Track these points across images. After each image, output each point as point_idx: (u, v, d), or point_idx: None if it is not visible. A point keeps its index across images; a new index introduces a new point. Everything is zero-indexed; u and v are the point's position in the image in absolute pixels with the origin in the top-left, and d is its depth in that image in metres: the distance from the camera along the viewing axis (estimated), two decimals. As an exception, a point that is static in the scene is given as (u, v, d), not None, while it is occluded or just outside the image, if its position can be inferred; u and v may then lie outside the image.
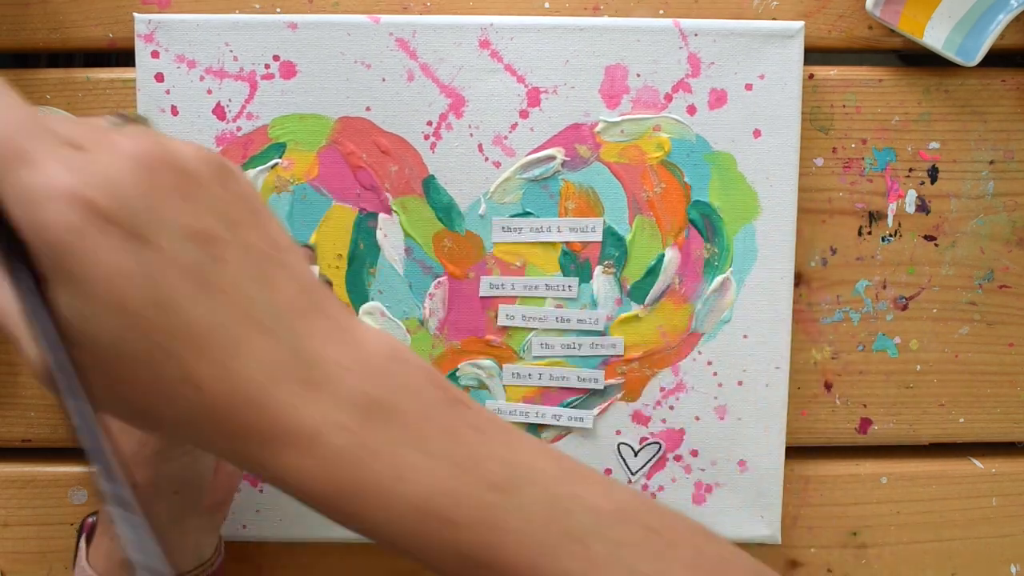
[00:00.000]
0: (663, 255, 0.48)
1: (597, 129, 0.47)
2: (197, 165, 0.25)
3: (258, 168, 0.47)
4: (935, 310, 0.50)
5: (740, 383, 0.48)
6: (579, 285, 0.48)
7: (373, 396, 0.26)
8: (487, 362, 0.48)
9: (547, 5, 0.48)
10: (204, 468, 0.38)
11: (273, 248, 0.26)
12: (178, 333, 0.24)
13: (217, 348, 0.24)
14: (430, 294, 0.48)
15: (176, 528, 0.38)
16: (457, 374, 0.48)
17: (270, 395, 0.24)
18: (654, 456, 0.49)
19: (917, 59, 0.50)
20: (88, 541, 0.40)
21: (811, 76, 0.49)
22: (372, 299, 0.48)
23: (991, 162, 0.49)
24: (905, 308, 0.50)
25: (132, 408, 0.25)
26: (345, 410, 0.25)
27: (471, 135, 0.47)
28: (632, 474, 0.49)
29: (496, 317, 0.48)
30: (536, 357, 0.48)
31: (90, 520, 0.42)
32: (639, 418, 0.48)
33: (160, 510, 0.36)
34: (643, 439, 0.49)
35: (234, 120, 0.47)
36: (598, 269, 0.48)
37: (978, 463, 0.51)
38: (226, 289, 0.25)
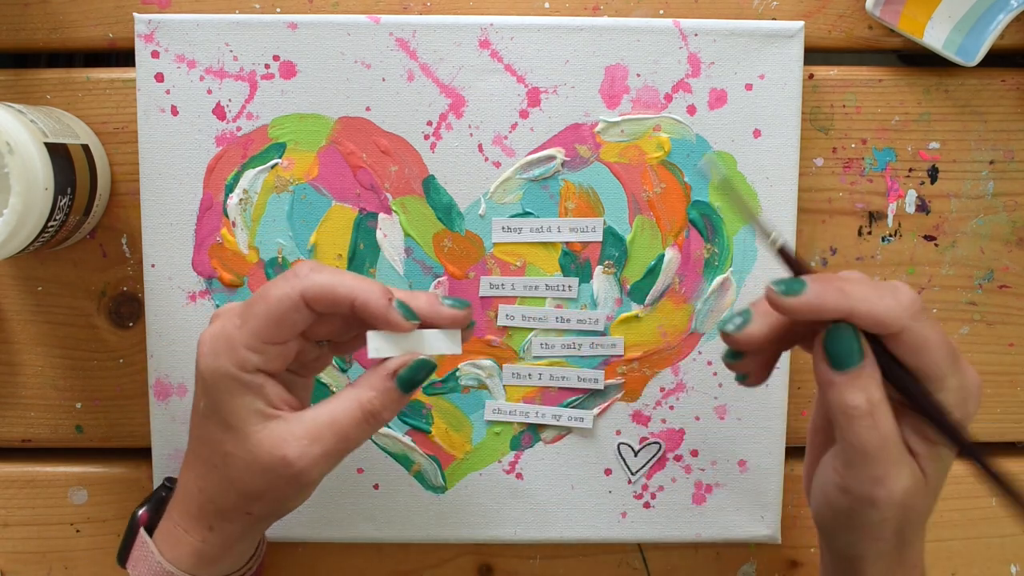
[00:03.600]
0: (663, 255, 0.48)
1: (597, 129, 0.47)
2: None
3: (258, 168, 0.47)
4: (935, 310, 0.50)
5: (740, 383, 0.48)
6: (579, 285, 0.48)
7: None
8: (487, 362, 0.48)
9: (547, 5, 0.48)
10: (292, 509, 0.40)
11: None
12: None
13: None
14: (430, 294, 0.48)
15: (238, 543, 0.40)
16: (457, 374, 0.48)
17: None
18: (654, 456, 0.49)
19: (917, 59, 0.50)
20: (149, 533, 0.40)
21: (811, 76, 0.49)
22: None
23: (991, 162, 0.49)
24: (905, 308, 0.50)
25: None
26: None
27: (471, 135, 0.47)
28: (632, 474, 0.49)
29: (496, 317, 0.48)
30: (536, 357, 0.48)
31: (143, 512, 0.42)
32: (639, 418, 0.48)
33: (235, 529, 0.39)
34: (643, 439, 0.49)
35: (234, 120, 0.47)
36: (598, 269, 0.48)
37: (978, 463, 0.51)
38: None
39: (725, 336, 0.36)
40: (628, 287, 0.48)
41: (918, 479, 0.35)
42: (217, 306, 0.47)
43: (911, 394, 0.35)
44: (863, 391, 0.34)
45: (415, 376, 0.37)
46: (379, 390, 0.37)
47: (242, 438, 0.36)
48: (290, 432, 0.36)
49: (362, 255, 0.47)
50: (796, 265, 0.36)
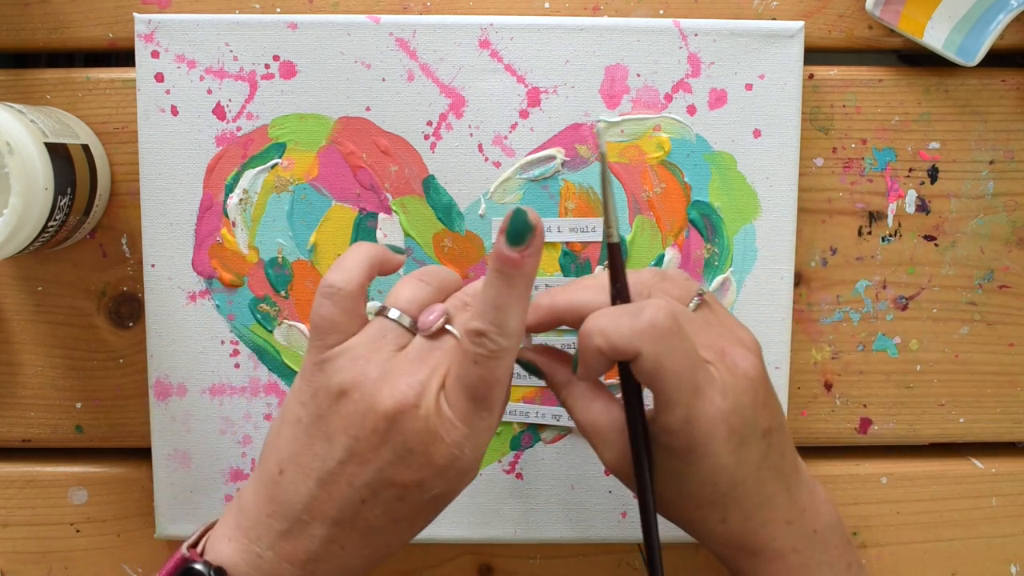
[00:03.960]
0: (663, 255, 0.48)
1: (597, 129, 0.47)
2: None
3: (258, 168, 0.47)
4: (935, 310, 0.50)
5: (740, 383, 0.48)
6: (579, 285, 0.48)
7: (820, 534, 0.39)
8: (487, 362, 0.48)
9: (547, 5, 0.48)
10: None
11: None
12: (748, 492, 0.37)
13: (754, 505, 0.38)
14: (430, 294, 0.48)
15: None
16: (457, 374, 0.48)
17: (766, 531, 0.38)
18: (654, 456, 0.49)
19: (917, 59, 0.50)
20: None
21: (811, 76, 0.49)
22: (372, 299, 0.48)
23: (991, 162, 0.49)
24: (905, 308, 0.50)
25: (677, 514, 0.39)
26: (803, 540, 0.39)
27: (471, 135, 0.47)
28: (632, 474, 0.49)
29: (496, 317, 0.48)
30: (536, 357, 0.48)
31: (187, 553, 0.36)
32: (639, 418, 0.48)
33: None
34: (643, 439, 0.49)
35: (234, 120, 0.47)
36: (598, 269, 0.48)
37: (978, 463, 0.51)
38: (774, 467, 0.38)
39: None
40: (628, 287, 0.48)
41: (619, 454, 0.38)
42: (217, 306, 0.47)
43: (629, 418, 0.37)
44: (556, 395, 0.40)
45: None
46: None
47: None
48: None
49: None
50: (619, 269, 0.37)
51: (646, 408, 0.37)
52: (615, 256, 0.37)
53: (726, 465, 0.36)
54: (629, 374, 0.36)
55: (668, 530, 0.49)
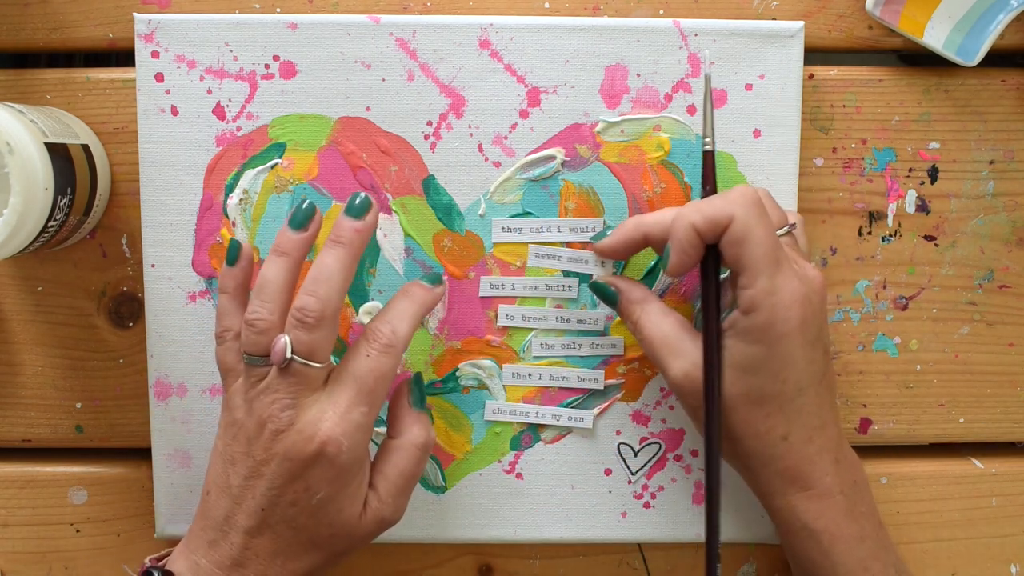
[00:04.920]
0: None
1: (597, 129, 0.47)
2: None
3: (258, 168, 0.47)
4: (935, 310, 0.50)
5: (740, 383, 0.48)
6: (579, 285, 0.48)
7: (859, 485, 0.43)
8: (487, 362, 0.48)
9: (547, 5, 0.48)
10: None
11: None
12: (810, 405, 0.41)
13: (813, 427, 0.41)
14: (430, 294, 0.48)
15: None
16: (457, 374, 0.48)
17: (822, 462, 0.41)
18: (654, 456, 0.49)
19: (917, 59, 0.50)
20: None
21: (811, 76, 0.49)
22: (372, 299, 0.48)
23: (991, 162, 0.49)
24: (905, 308, 0.50)
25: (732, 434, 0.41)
26: (848, 485, 0.42)
27: (471, 135, 0.47)
28: (632, 474, 0.49)
29: (496, 317, 0.48)
30: (536, 357, 0.48)
31: (148, 564, 0.42)
32: (639, 418, 0.48)
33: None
34: (643, 439, 0.49)
35: (234, 120, 0.47)
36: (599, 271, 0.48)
37: (978, 463, 0.51)
38: (830, 391, 0.42)
39: (592, 247, 0.45)
40: (628, 287, 0.48)
41: (692, 363, 0.41)
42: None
43: (705, 307, 0.41)
44: (627, 317, 0.44)
45: (422, 391, 0.44)
46: (421, 423, 0.43)
47: (358, 515, 0.41)
48: (378, 499, 0.41)
49: (362, 255, 0.47)
50: (710, 174, 0.42)
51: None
52: (709, 163, 0.42)
53: (798, 359, 0.39)
54: (713, 262, 0.40)
55: (669, 530, 0.49)
